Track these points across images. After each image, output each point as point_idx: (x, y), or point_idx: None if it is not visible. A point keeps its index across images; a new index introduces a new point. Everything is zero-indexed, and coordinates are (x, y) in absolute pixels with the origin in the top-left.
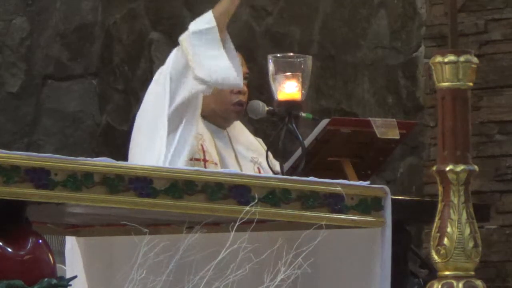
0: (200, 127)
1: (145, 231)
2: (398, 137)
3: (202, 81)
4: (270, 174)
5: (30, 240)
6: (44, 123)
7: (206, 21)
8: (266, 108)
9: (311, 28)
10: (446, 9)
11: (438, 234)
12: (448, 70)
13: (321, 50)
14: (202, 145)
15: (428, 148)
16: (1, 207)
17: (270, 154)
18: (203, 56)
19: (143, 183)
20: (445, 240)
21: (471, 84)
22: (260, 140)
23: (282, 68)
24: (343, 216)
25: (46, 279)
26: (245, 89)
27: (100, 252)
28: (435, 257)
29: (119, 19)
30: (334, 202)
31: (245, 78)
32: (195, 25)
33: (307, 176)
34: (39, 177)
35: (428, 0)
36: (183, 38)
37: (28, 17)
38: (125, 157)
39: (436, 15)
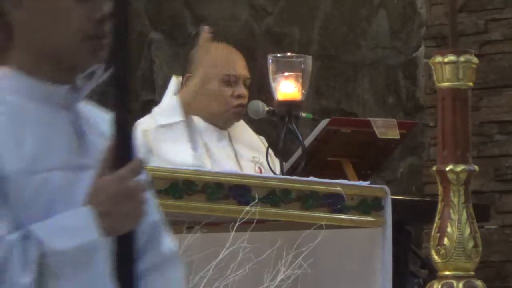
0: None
1: None
2: (398, 137)
3: None
4: (271, 174)
5: None
6: None
7: (173, 113)
8: (266, 108)
9: (311, 28)
10: (446, 9)
11: (438, 234)
12: (448, 70)
13: (321, 50)
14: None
15: (428, 148)
16: None
17: (271, 152)
18: (168, 153)
19: None
20: (445, 240)
21: (471, 84)
22: (263, 138)
23: (282, 68)
24: (343, 216)
25: None
26: (246, 92)
27: None
28: (435, 257)
29: None
30: (334, 202)
31: (245, 82)
32: (162, 117)
33: (307, 176)
34: None
35: (428, 0)
36: (149, 129)
37: None
38: None
39: (436, 15)
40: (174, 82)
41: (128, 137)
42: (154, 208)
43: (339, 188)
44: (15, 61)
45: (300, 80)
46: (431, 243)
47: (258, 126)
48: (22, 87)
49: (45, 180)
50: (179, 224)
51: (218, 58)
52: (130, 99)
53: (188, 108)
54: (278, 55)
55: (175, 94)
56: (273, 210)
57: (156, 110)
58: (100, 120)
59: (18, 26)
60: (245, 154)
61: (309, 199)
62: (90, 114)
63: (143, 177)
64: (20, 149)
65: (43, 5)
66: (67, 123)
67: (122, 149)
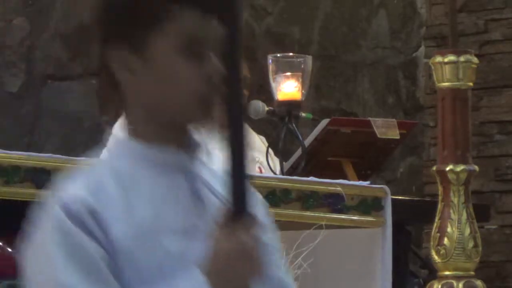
0: None
1: None
2: (398, 137)
3: None
4: (271, 174)
5: None
6: (44, 123)
7: None
8: (266, 108)
9: (311, 28)
10: (446, 9)
11: (438, 234)
12: (448, 70)
13: (321, 50)
14: None
15: (428, 148)
16: (1, 207)
17: (271, 152)
18: None
19: None
20: (445, 240)
21: (471, 84)
22: (263, 138)
23: (282, 68)
24: (343, 216)
25: None
26: (246, 92)
27: None
28: (435, 257)
29: None
30: (334, 202)
31: (245, 82)
32: None
33: (307, 176)
34: (39, 177)
35: (428, 0)
36: None
37: (28, 17)
38: None
39: (436, 15)
40: None
41: (243, 194)
42: (279, 264)
43: (339, 188)
44: (128, 125)
45: (300, 80)
46: (431, 243)
47: (258, 126)
48: (134, 151)
49: (159, 245)
50: None
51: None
52: (244, 157)
53: None
54: (278, 55)
55: None
56: (273, 210)
57: None
58: (215, 180)
59: (129, 90)
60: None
61: (309, 199)
62: (206, 175)
63: (259, 235)
64: (132, 216)
65: (154, 69)
66: (182, 186)
67: (237, 207)
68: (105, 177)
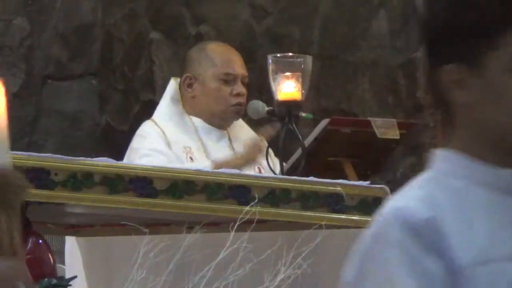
0: (185, 138)
1: (145, 231)
2: (398, 137)
3: None
4: (271, 174)
5: (30, 240)
6: (44, 123)
7: None
8: (266, 108)
9: (311, 28)
10: None
11: None
12: None
13: (321, 50)
14: (190, 158)
15: (428, 148)
16: None
17: (271, 152)
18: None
19: (143, 183)
20: None
21: None
22: (263, 138)
23: (282, 68)
24: (343, 216)
25: (46, 279)
26: (244, 91)
27: (100, 252)
28: None
29: (119, 19)
30: (334, 202)
31: (244, 80)
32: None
33: (307, 176)
34: (39, 177)
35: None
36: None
37: (28, 17)
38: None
39: None
40: (173, 85)
41: None
42: None
43: (339, 188)
44: (457, 143)
45: (300, 80)
46: None
47: (258, 126)
48: (467, 170)
49: (502, 273)
50: (179, 224)
51: (216, 57)
52: None
53: (190, 110)
54: (278, 55)
55: (173, 98)
56: (273, 210)
57: (156, 115)
58: None
59: (461, 107)
60: None
61: (309, 199)
62: None
63: None
64: (473, 237)
65: (488, 87)
66: None
67: None
68: (439, 193)
